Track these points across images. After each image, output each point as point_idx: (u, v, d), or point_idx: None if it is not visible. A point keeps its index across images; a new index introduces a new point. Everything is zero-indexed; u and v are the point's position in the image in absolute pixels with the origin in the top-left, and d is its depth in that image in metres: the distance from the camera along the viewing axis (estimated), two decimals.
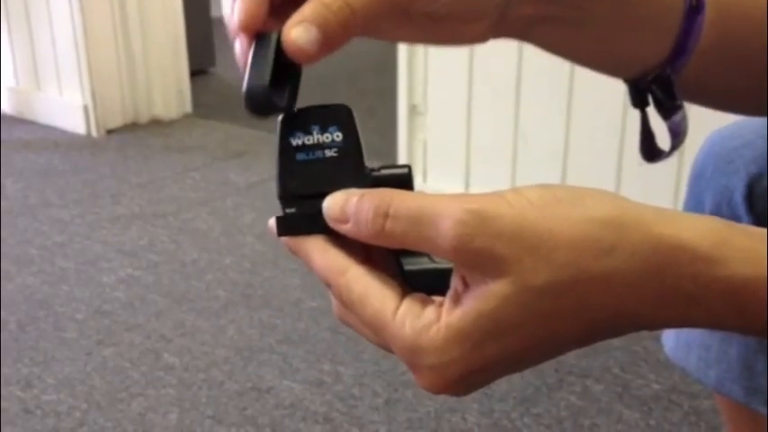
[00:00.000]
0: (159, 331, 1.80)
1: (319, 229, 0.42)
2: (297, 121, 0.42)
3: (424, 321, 0.37)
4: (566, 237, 0.35)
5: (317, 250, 0.42)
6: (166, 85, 3.17)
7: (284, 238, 0.43)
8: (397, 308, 0.38)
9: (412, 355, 0.37)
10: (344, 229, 0.40)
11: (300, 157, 0.42)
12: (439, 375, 0.36)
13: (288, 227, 0.43)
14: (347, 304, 0.41)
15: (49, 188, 2.58)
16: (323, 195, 0.41)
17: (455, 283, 0.37)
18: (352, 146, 0.42)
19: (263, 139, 2.94)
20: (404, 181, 0.41)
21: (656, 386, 1.59)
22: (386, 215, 0.38)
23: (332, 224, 0.41)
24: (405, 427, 1.50)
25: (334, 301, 0.43)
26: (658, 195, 1.89)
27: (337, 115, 0.42)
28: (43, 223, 2.34)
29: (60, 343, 1.77)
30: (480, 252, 0.35)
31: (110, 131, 3.06)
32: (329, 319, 1.82)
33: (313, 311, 1.86)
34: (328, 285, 0.42)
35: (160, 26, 3.11)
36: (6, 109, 3.28)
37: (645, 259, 0.35)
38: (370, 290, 0.39)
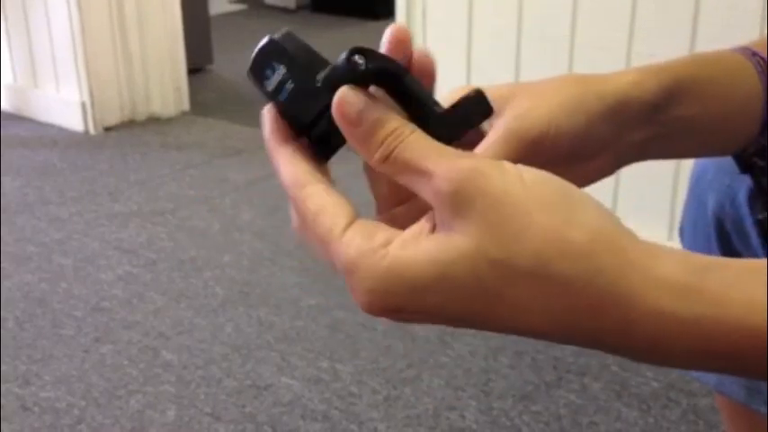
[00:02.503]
0: (157, 329, 1.80)
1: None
2: (257, 69, 0.43)
3: (372, 245, 0.37)
4: (540, 226, 0.35)
5: (285, 160, 0.42)
6: (164, 82, 3.17)
7: (266, 139, 0.44)
8: (348, 226, 0.38)
9: (351, 274, 0.37)
10: (348, 131, 0.40)
11: (281, 96, 0.43)
12: (373, 299, 0.37)
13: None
14: (302, 218, 0.41)
15: (47, 185, 2.58)
16: (312, 122, 0.42)
17: (424, 222, 0.38)
18: (297, 73, 0.42)
19: (262, 137, 2.93)
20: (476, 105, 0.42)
21: (654, 384, 1.59)
22: (390, 154, 0.38)
23: (340, 120, 0.40)
24: (403, 424, 1.50)
25: (293, 215, 0.42)
26: (657, 193, 1.90)
27: (273, 51, 0.42)
28: (41, 220, 2.34)
29: (58, 340, 1.77)
30: (463, 200, 0.36)
31: (107, 129, 3.06)
32: (327, 316, 1.82)
33: (311, 309, 1.86)
34: (289, 197, 0.42)
35: (158, 23, 3.10)
36: (4, 106, 3.27)
37: (612, 282, 0.35)
38: (324, 206, 0.39)
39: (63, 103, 3.07)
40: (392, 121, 0.39)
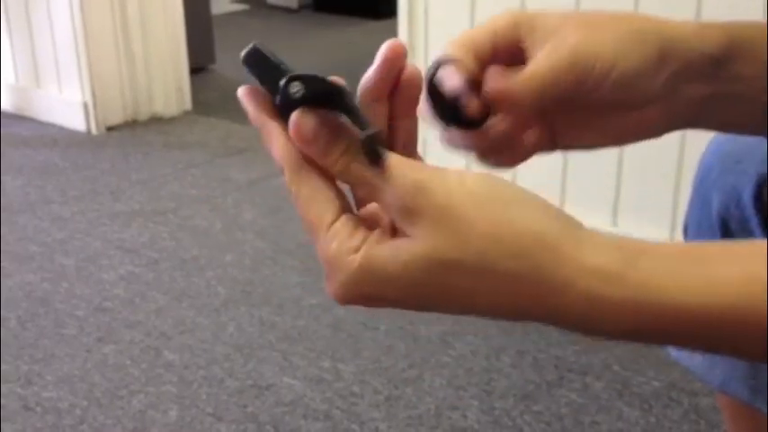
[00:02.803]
0: (159, 328, 1.80)
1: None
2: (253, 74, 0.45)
3: (349, 246, 0.42)
4: (483, 230, 0.40)
5: (283, 136, 0.44)
6: (166, 82, 3.17)
7: (253, 114, 0.45)
8: (333, 221, 0.43)
9: (330, 267, 0.42)
10: (307, 149, 0.43)
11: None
12: (345, 292, 0.42)
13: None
14: (293, 197, 0.44)
15: (50, 185, 2.58)
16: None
17: (386, 225, 0.43)
18: (264, 86, 0.44)
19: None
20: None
21: (655, 383, 1.59)
22: (346, 169, 0.43)
23: (297, 141, 0.43)
24: (405, 424, 1.50)
25: (287, 174, 0.45)
26: (659, 192, 1.89)
27: (248, 66, 0.44)
28: (43, 220, 2.34)
29: (60, 340, 1.77)
30: (411, 213, 0.40)
31: (110, 128, 3.06)
32: (329, 316, 1.82)
33: (313, 308, 1.86)
34: (282, 173, 0.44)
35: (160, 23, 3.10)
36: (6, 106, 3.27)
37: (549, 275, 0.40)
38: (316, 195, 0.43)
39: (65, 103, 3.07)
40: (342, 141, 0.43)
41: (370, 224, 0.43)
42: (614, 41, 0.48)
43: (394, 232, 0.42)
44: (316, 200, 0.43)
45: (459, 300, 0.41)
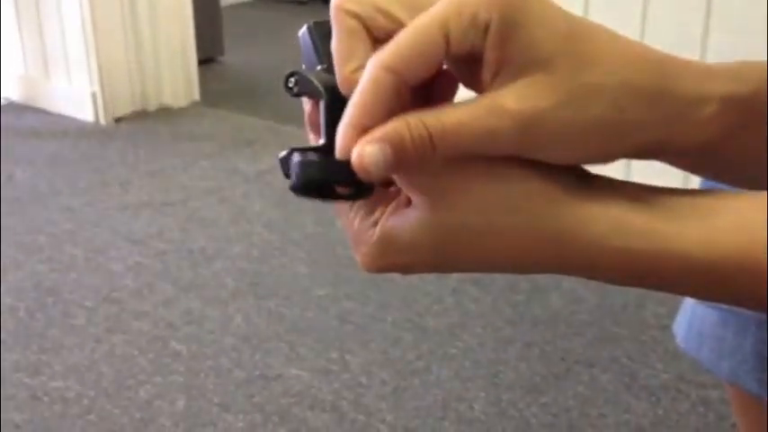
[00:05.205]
0: (167, 319, 1.81)
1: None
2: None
3: (368, 223, 0.46)
4: (478, 193, 0.42)
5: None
6: (175, 73, 3.17)
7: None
8: (352, 205, 0.47)
9: (355, 242, 0.47)
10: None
11: None
12: (370, 261, 0.46)
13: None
14: None
15: (58, 176, 2.59)
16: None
17: (400, 199, 0.46)
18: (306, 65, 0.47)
19: (272, 128, 2.93)
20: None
21: (663, 376, 1.58)
22: None
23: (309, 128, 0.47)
24: (412, 415, 1.50)
25: None
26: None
27: (306, 41, 0.46)
28: (52, 211, 2.34)
29: (68, 330, 1.77)
30: (412, 188, 0.43)
31: (118, 119, 3.07)
32: (337, 307, 1.82)
33: (321, 300, 1.86)
34: None
35: (169, 14, 3.10)
36: (15, 97, 3.28)
37: (547, 226, 0.41)
38: None
39: (74, 94, 3.08)
40: None
41: (392, 197, 0.46)
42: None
43: (409, 202, 0.45)
44: None
45: (473, 259, 0.44)
